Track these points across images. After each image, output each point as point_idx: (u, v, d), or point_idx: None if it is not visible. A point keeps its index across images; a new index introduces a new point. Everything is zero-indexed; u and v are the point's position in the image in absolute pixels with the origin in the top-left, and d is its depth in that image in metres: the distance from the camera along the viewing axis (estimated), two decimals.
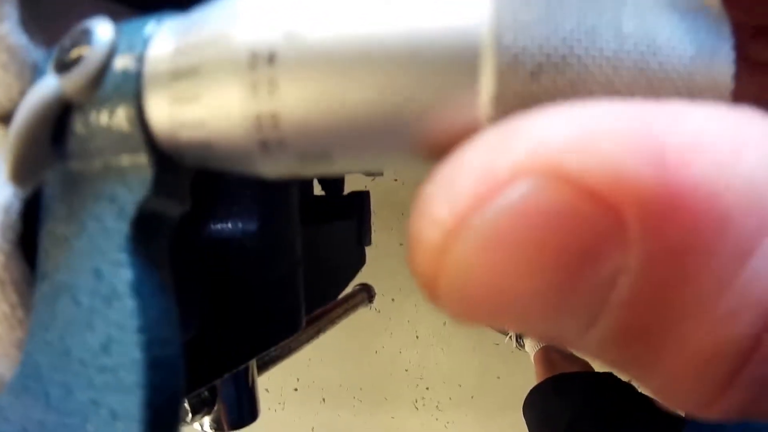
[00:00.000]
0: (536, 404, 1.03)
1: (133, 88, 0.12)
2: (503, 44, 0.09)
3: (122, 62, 0.12)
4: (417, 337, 1.41)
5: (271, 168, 0.11)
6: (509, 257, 0.08)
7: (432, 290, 0.09)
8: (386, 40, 0.10)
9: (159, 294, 0.12)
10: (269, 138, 0.11)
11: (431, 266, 0.08)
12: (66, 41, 0.13)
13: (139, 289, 0.12)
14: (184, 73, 0.11)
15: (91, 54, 0.12)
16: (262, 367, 0.43)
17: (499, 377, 1.38)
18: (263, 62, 0.10)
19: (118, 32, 0.13)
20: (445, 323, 1.39)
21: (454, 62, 0.09)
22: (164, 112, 0.12)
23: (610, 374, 0.96)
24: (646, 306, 0.08)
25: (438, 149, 0.10)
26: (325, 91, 0.10)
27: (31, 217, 0.14)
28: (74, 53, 0.12)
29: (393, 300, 1.38)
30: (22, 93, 0.15)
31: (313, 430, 1.48)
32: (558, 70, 0.09)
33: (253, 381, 0.39)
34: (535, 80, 0.09)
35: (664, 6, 0.09)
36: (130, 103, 0.12)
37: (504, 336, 1.34)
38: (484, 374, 1.39)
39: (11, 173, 0.13)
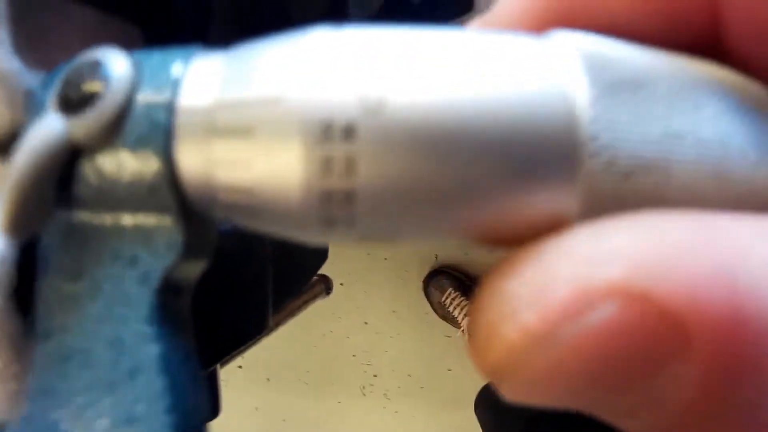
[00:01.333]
0: (489, 402, 1.02)
1: (161, 140, 0.11)
2: (600, 144, 0.09)
3: (147, 107, 0.11)
4: (366, 323, 1.41)
5: (326, 240, 0.10)
6: (586, 366, 0.08)
7: (499, 378, 0.09)
8: (482, 127, 0.09)
9: (186, 363, 0.12)
10: (337, 216, 0.10)
11: (506, 362, 0.09)
12: (72, 73, 0.12)
13: (167, 365, 0.11)
14: (230, 132, 0.10)
15: (108, 94, 0.11)
16: (223, 363, 0.42)
17: (450, 369, 1.38)
18: (339, 136, 0.09)
19: (136, 67, 0.11)
20: (394, 311, 1.39)
21: (548, 156, 0.09)
22: (200, 172, 0.11)
23: None
24: (702, 408, 0.08)
25: (515, 238, 0.10)
26: (411, 174, 0.09)
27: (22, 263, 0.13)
28: (85, 90, 0.11)
29: (342, 284, 1.38)
30: (14, 122, 0.13)
31: (257, 409, 1.48)
32: (646, 173, 0.09)
33: (216, 378, 0.38)
34: (626, 181, 0.09)
35: (736, 110, 0.10)
36: (157, 157, 0.11)
37: (456, 329, 1.36)
38: (434, 366, 1.39)
39: (7, 224, 0.12)
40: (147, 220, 0.11)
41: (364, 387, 1.42)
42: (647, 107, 0.09)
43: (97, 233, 0.11)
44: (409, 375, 1.41)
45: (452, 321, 1.35)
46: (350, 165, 0.09)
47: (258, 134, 0.10)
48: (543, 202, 0.09)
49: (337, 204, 0.10)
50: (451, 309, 1.30)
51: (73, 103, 0.11)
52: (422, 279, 1.37)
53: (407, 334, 1.40)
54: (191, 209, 0.11)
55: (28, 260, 0.13)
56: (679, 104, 0.10)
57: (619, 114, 0.09)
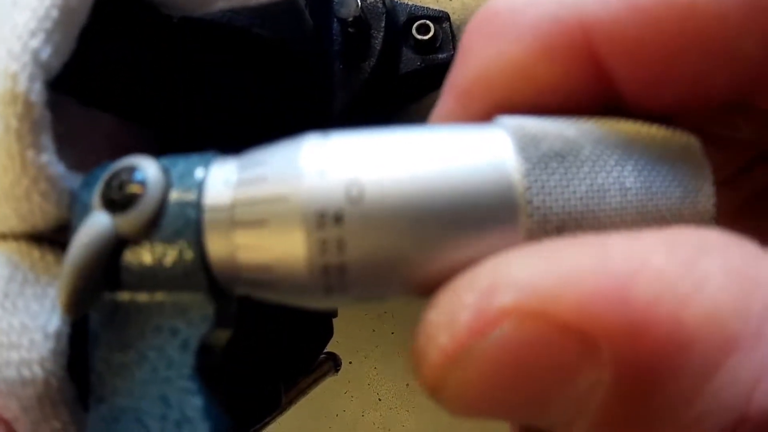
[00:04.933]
0: None
1: (193, 233, 0.13)
2: (533, 206, 0.11)
3: (180, 206, 0.13)
4: (379, 399, 1.39)
5: (327, 305, 0.12)
6: (499, 378, 0.10)
7: (435, 396, 0.11)
8: (441, 205, 0.11)
9: (223, 412, 0.13)
10: (334, 285, 0.12)
11: (434, 380, 0.10)
12: (112, 177, 0.14)
13: (209, 413, 0.13)
14: (248, 224, 0.12)
15: (147, 195, 0.13)
16: None
17: None
18: (331, 222, 0.12)
19: (166, 172, 0.13)
20: (408, 384, 1.37)
21: (497, 220, 0.11)
22: (226, 256, 0.12)
23: None
24: (620, 411, 0.09)
25: None
26: (388, 246, 0.12)
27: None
28: (127, 191, 0.13)
29: (351, 363, 1.36)
30: (59, 219, 0.15)
31: None
32: (577, 225, 0.11)
33: None
34: (560, 232, 0.11)
35: (656, 159, 0.12)
36: (190, 246, 0.13)
37: None
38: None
39: (65, 305, 0.13)
40: (182, 297, 0.13)
41: None
42: (573, 171, 0.11)
43: (139, 311, 0.13)
44: None
45: None
46: (341, 244, 0.12)
47: (270, 225, 0.12)
48: (495, 252, 0.11)
49: (333, 275, 0.12)
50: None
51: (118, 202, 0.13)
52: None
53: (422, 405, 1.38)
54: (218, 286, 0.13)
55: (77, 335, 0.15)
56: (601, 163, 0.12)
57: (549, 180, 0.11)
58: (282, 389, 0.33)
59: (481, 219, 0.11)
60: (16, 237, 0.17)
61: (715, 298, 0.09)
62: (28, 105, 0.15)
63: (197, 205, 0.13)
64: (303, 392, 0.53)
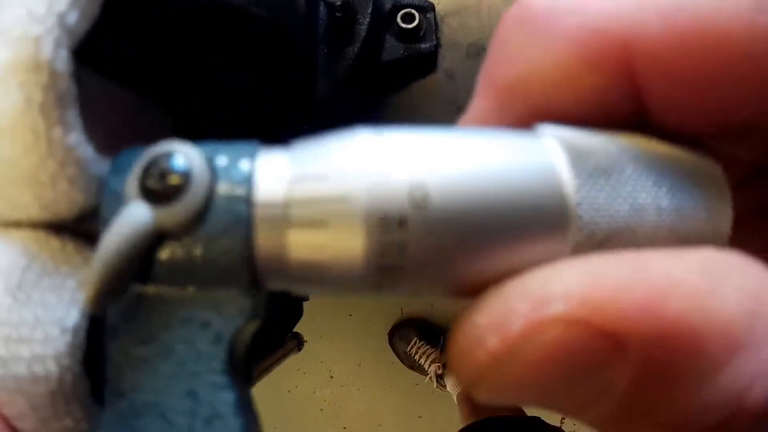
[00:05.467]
0: None
1: (242, 229, 0.12)
2: (583, 221, 0.12)
3: (228, 200, 0.13)
4: (331, 377, 1.40)
5: (369, 297, 0.13)
6: (537, 374, 0.11)
7: (472, 387, 0.12)
8: (500, 216, 0.12)
9: (251, 406, 0.13)
10: (386, 283, 0.12)
11: (476, 377, 0.11)
12: (150, 165, 0.13)
13: (240, 408, 0.13)
14: (305, 224, 0.12)
15: (192, 187, 0.12)
16: None
17: (420, 416, 1.39)
18: (394, 226, 0.12)
19: (209, 162, 0.13)
20: (360, 364, 1.39)
21: (549, 231, 0.12)
22: (275, 254, 0.12)
23: (537, 419, 1.00)
24: (634, 400, 0.11)
25: None
26: (445, 252, 0.12)
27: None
28: (169, 182, 0.13)
29: (306, 341, 1.37)
30: (85, 207, 0.14)
31: None
32: (617, 240, 0.12)
33: None
34: (602, 246, 0.12)
35: (686, 182, 0.13)
36: (238, 243, 0.12)
37: (423, 377, 1.36)
38: (404, 414, 1.40)
39: (91, 299, 0.13)
40: (219, 291, 0.13)
41: None
42: (618, 189, 0.12)
43: (165, 302, 0.13)
44: (379, 425, 1.40)
45: (419, 369, 1.36)
46: (402, 248, 0.12)
47: (329, 226, 0.12)
48: (541, 260, 0.12)
49: (387, 275, 0.12)
50: (417, 357, 1.30)
51: (159, 194, 0.13)
52: (387, 332, 1.37)
53: (374, 386, 1.40)
54: (257, 281, 0.13)
55: (91, 325, 0.14)
56: (641, 184, 0.12)
57: (598, 197, 0.12)
58: (253, 367, 0.33)
59: (533, 228, 0.12)
60: (34, 225, 0.15)
61: (731, 312, 0.10)
62: (53, 75, 0.13)
63: (247, 200, 0.12)
64: (267, 371, 0.53)
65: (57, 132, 0.13)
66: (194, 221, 0.13)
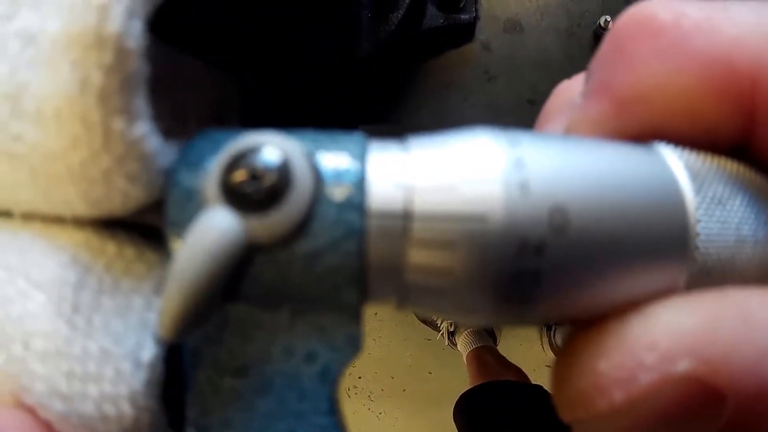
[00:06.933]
0: (467, 411, 1.07)
1: (355, 243, 0.11)
2: (700, 251, 0.11)
3: (338, 209, 0.11)
4: None
5: (487, 325, 0.12)
6: (645, 421, 0.11)
7: (580, 424, 0.12)
8: (632, 239, 0.11)
9: None
10: (510, 314, 0.11)
11: (591, 419, 0.12)
12: (233, 161, 0.11)
13: None
14: (429, 243, 0.10)
15: (294, 193, 0.10)
16: None
17: (430, 372, 1.42)
18: (531, 252, 0.10)
19: (309, 159, 0.11)
20: (376, 314, 1.41)
21: (666, 260, 0.11)
22: (389, 274, 0.11)
23: (540, 387, 1.01)
24: None
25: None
26: (577, 281, 0.11)
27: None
28: (264, 185, 0.10)
29: None
30: (144, 203, 0.12)
31: None
32: (721, 271, 0.12)
33: None
34: (707, 277, 0.12)
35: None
36: (349, 259, 0.11)
37: (435, 333, 1.40)
38: (415, 368, 1.43)
39: (171, 328, 0.10)
40: (324, 314, 0.11)
41: (348, 389, 1.45)
42: (729, 220, 0.12)
43: (259, 326, 0.11)
44: (392, 377, 1.44)
45: (432, 325, 1.39)
46: (536, 277, 0.10)
47: (458, 248, 0.10)
48: (661, 284, 0.11)
49: (515, 303, 0.11)
50: None
51: (250, 199, 0.10)
52: None
53: (389, 337, 1.44)
54: (364, 302, 0.11)
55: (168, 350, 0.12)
56: (746, 215, 0.12)
57: (713, 227, 0.11)
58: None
59: (656, 255, 0.11)
60: (80, 223, 0.12)
61: None
62: (121, 53, 0.10)
63: (360, 209, 0.10)
64: None
65: (117, 122, 0.11)
66: (296, 233, 0.11)
